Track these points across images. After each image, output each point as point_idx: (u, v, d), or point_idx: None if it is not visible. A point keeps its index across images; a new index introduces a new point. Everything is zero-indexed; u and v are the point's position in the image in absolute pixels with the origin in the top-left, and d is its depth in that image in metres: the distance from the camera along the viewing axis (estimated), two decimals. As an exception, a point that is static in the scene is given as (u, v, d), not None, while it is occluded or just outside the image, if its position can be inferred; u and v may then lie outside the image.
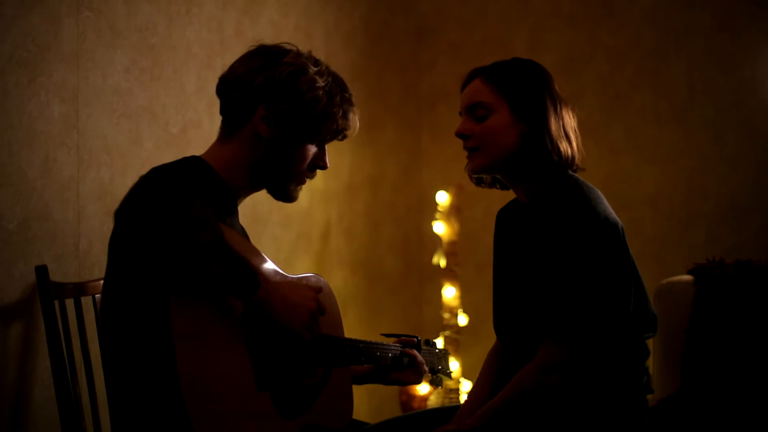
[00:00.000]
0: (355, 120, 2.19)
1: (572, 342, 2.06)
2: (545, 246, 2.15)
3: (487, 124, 2.19)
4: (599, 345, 2.09)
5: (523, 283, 2.21)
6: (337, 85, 2.14)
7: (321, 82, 2.10)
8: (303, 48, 2.18)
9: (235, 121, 2.11)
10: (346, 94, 2.15)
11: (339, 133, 2.16)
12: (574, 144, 2.22)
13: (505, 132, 2.18)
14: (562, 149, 2.18)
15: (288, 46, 2.14)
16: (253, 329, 1.95)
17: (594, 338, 2.07)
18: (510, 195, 2.37)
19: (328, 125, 2.12)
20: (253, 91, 2.08)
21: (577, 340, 2.06)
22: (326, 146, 2.17)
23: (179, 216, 1.74)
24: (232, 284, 1.84)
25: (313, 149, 2.14)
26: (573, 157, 2.21)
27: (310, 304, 1.96)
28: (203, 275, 1.81)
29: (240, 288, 1.85)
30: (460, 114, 2.26)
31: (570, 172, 2.23)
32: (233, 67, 2.14)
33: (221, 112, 2.16)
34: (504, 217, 2.38)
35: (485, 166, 2.22)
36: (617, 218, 2.14)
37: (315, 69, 2.11)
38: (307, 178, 2.17)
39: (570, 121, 2.23)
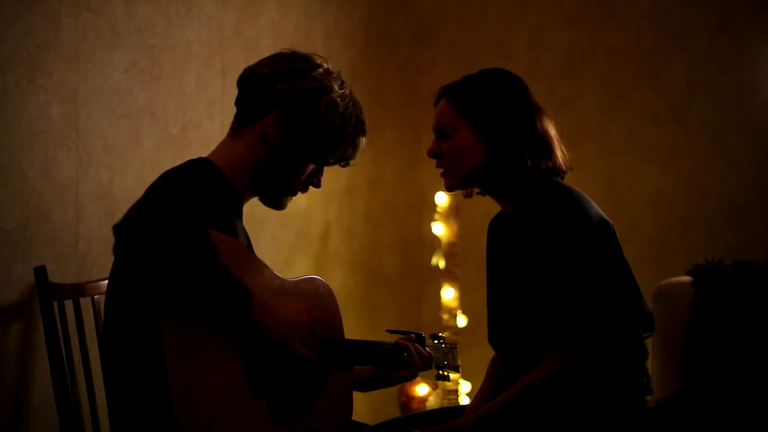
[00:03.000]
0: (361, 145, 2.19)
1: (581, 348, 2.06)
2: (538, 256, 2.14)
3: (451, 143, 2.22)
4: (611, 348, 2.09)
5: (519, 296, 2.20)
6: (355, 112, 2.15)
7: (341, 106, 2.11)
8: (304, 49, 2.19)
9: (247, 117, 2.12)
10: (361, 124, 2.16)
11: (343, 159, 2.18)
12: (556, 151, 2.20)
13: (469, 150, 2.20)
14: (530, 161, 2.16)
15: (319, 60, 2.14)
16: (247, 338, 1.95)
17: (605, 342, 2.07)
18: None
19: (335, 150, 2.14)
20: (272, 93, 2.08)
21: (587, 346, 2.06)
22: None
23: (177, 242, 1.78)
24: (226, 312, 1.87)
25: (312, 166, 2.16)
26: (551, 165, 2.19)
27: (303, 319, 1.97)
28: (197, 304, 1.85)
29: (233, 315, 1.88)
30: (434, 133, 2.27)
31: (554, 178, 2.21)
32: (261, 64, 2.14)
33: (236, 103, 2.16)
34: (494, 229, 2.38)
35: (457, 184, 2.26)
36: (607, 217, 2.15)
37: (339, 92, 2.11)
38: (300, 191, 2.20)
39: (545, 128, 2.20)
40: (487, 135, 2.18)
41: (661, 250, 4.05)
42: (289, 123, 2.08)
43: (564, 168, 2.23)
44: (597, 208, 2.17)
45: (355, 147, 2.17)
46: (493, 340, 2.33)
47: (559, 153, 2.21)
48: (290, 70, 2.10)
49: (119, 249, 1.83)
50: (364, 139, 2.19)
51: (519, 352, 2.21)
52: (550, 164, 2.19)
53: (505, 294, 2.26)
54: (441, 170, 2.26)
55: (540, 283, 2.13)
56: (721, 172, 3.97)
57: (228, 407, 1.89)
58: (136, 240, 1.78)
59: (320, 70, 2.12)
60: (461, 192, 2.34)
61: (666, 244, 4.05)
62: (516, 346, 2.22)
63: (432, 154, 2.26)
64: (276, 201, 2.18)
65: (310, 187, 2.23)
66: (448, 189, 2.29)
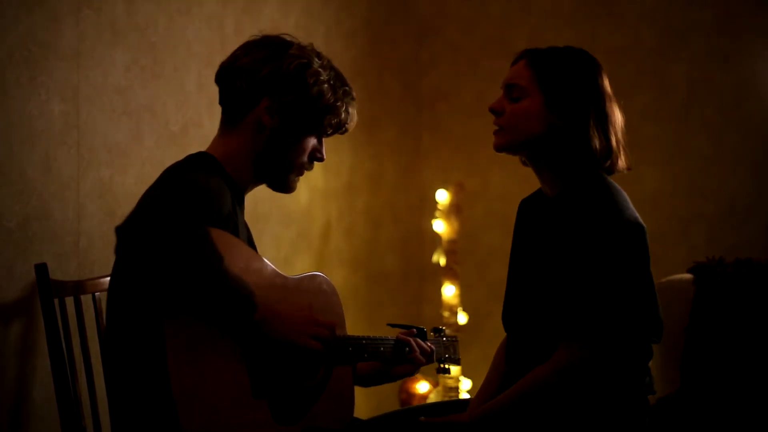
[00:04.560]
0: (354, 113, 2.20)
1: (596, 345, 2.07)
2: (569, 245, 2.14)
3: (517, 107, 2.20)
4: (622, 349, 2.10)
5: (542, 279, 2.20)
6: (339, 80, 2.16)
7: (325, 76, 2.12)
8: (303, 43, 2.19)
9: (237, 111, 2.12)
10: (347, 88, 2.17)
11: (341, 126, 2.18)
12: (613, 144, 2.20)
13: (532, 118, 2.18)
14: (592, 147, 2.16)
15: (289, 38, 2.15)
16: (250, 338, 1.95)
17: (619, 342, 2.08)
18: (531, 186, 2.36)
19: (331, 118, 2.14)
20: (258, 81, 2.08)
21: (602, 344, 2.07)
22: (324, 139, 2.19)
23: (179, 246, 1.77)
24: (228, 314, 1.87)
25: (312, 141, 2.16)
26: (607, 156, 2.19)
27: (305, 314, 1.98)
28: (199, 307, 1.85)
29: (235, 317, 1.88)
30: (502, 88, 2.26)
31: (601, 172, 2.21)
32: (236, 56, 2.13)
33: (221, 102, 2.16)
34: (527, 208, 2.37)
35: (506, 146, 2.23)
36: (642, 221, 2.14)
37: (319, 62, 2.12)
38: (306, 169, 2.19)
39: (615, 120, 2.21)
40: (556, 109, 2.17)
41: (662, 249, 4.03)
42: (281, 105, 2.08)
43: (618, 165, 2.22)
44: (634, 210, 2.17)
45: (348, 111, 2.17)
46: (506, 318, 2.32)
47: (614, 146, 2.20)
48: (268, 54, 2.10)
49: (121, 251, 1.83)
50: (354, 103, 2.19)
51: (530, 333, 2.21)
52: (603, 155, 2.18)
53: (529, 274, 2.25)
54: (495, 127, 2.23)
55: (569, 272, 2.12)
56: (721, 172, 3.98)
57: (230, 407, 1.89)
58: (138, 242, 1.77)
59: (295, 46, 2.13)
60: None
61: (666, 244, 4.05)
62: (529, 326, 2.22)
63: (494, 111, 2.23)
64: (284, 185, 2.18)
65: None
66: (497, 148, 2.24)
